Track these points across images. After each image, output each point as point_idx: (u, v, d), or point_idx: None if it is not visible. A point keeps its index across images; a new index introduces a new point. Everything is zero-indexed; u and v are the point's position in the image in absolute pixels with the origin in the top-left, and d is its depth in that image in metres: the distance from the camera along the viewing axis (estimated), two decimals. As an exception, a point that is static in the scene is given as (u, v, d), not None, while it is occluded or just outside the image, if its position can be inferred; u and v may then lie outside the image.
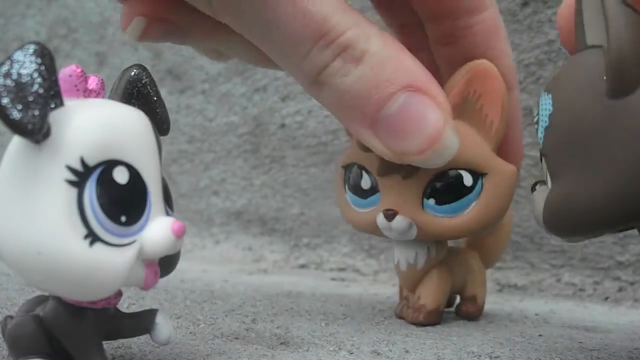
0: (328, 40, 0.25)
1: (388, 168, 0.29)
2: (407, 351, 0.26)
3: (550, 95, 0.22)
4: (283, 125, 0.59)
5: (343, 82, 0.25)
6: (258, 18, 0.25)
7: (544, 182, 0.24)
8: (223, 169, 0.63)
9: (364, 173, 0.30)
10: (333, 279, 0.51)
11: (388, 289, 0.46)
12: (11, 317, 0.22)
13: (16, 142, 0.19)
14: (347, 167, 0.32)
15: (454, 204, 0.29)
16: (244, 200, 0.62)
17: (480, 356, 0.26)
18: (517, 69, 0.46)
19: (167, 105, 0.23)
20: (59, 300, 0.20)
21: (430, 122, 0.26)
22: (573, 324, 0.35)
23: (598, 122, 0.20)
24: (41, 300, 0.22)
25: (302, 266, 0.57)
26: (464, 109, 0.29)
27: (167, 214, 0.21)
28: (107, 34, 0.71)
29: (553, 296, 0.45)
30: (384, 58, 0.25)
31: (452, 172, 0.29)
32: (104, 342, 0.21)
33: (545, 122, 0.22)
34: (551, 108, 0.22)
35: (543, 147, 0.23)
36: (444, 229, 0.29)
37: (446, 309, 0.34)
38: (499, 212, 0.30)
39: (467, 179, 0.29)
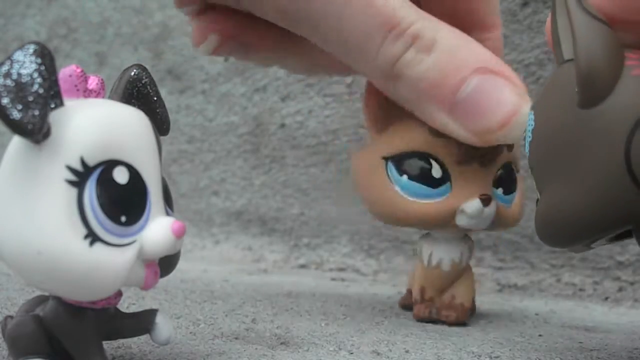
0: (399, 32, 0.26)
1: (469, 156, 0.29)
2: (407, 351, 0.26)
3: (532, 112, 0.23)
4: (283, 125, 0.59)
5: (417, 71, 0.27)
6: (328, 16, 0.26)
7: None
8: (223, 169, 0.63)
9: (432, 162, 0.30)
10: (333, 279, 0.51)
11: (388, 289, 0.46)
12: (11, 317, 0.22)
13: (16, 142, 0.19)
14: (394, 157, 0.31)
15: (512, 195, 0.31)
16: (244, 200, 0.62)
17: (480, 356, 0.26)
18: (517, 69, 0.46)
19: (167, 105, 0.23)
20: (59, 300, 0.20)
21: (505, 97, 0.27)
22: (573, 324, 0.35)
23: (572, 133, 0.21)
24: (41, 300, 0.22)
25: (302, 266, 0.57)
26: None
27: (167, 214, 0.21)
28: (107, 34, 0.71)
29: (553, 296, 0.45)
30: (453, 45, 0.27)
31: (511, 165, 0.31)
32: (104, 342, 0.21)
33: (530, 137, 0.23)
34: (533, 124, 0.23)
35: (529, 161, 0.23)
36: (508, 218, 0.31)
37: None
38: (521, 209, 0.32)
39: (515, 173, 0.31)
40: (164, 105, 0.23)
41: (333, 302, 0.38)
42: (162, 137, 0.22)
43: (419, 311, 0.32)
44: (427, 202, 0.30)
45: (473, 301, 0.33)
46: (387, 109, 0.31)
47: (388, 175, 0.31)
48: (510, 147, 0.30)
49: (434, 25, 0.27)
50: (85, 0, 0.73)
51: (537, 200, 0.25)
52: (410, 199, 0.30)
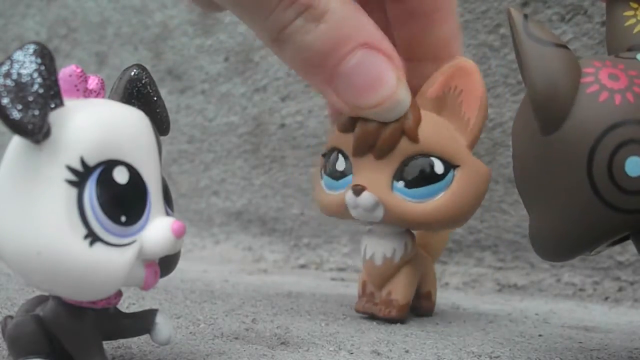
0: (291, 0, 0.26)
1: (363, 148, 0.30)
2: (407, 351, 0.26)
3: (511, 138, 0.24)
4: (283, 125, 0.59)
5: (304, 39, 0.27)
6: None
7: None
8: (223, 169, 0.63)
9: (340, 156, 0.31)
10: (333, 279, 0.51)
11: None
12: (11, 317, 0.22)
13: (16, 142, 0.19)
14: (326, 155, 0.32)
15: (422, 189, 0.29)
16: (244, 200, 0.62)
17: (480, 356, 0.26)
18: (517, 69, 0.46)
19: (167, 105, 0.23)
20: (59, 300, 0.20)
21: (384, 77, 0.28)
22: (573, 324, 0.35)
23: (539, 159, 0.22)
24: (41, 300, 0.22)
25: (302, 266, 0.57)
26: (444, 102, 0.31)
27: (167, 214, 0.21)
28: (107, 34, 0.71)
29: (553, 296, 0.45)
30: (342, 17, 0.27)
31: (423, 158, 0.29)
32: (104, 342, 0.21)
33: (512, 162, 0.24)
34: (512, 149, 0.24)
35: (515, 184, 0.24)
36: (411, 213, 0.30)
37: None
38: (468, 207, 0.30)
39: (439, 167, 0.29)
40: (164, 105, 0.23)
41: (333, 302, 0.38)
42: (162, 137, 0.22)
43: (359, 305, 0.33)
44: (333, 194, 0.31)
45: (427, 297, 0.34)
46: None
47: (321, 171, 0.33)
48: (413, 137, 0.29)
49: None
50: (85, 0, 0.73)
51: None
52: (326, 192, 0.32)
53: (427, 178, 0.29)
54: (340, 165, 0.31)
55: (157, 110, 0.22)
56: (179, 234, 0.20)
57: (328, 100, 0.29)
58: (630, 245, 0.43)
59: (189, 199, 0.65)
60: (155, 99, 0.22)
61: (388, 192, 0.30)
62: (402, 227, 0.31)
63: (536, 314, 0.37)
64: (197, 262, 0.57)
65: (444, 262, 0.49)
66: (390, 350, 0.26)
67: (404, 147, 0.29)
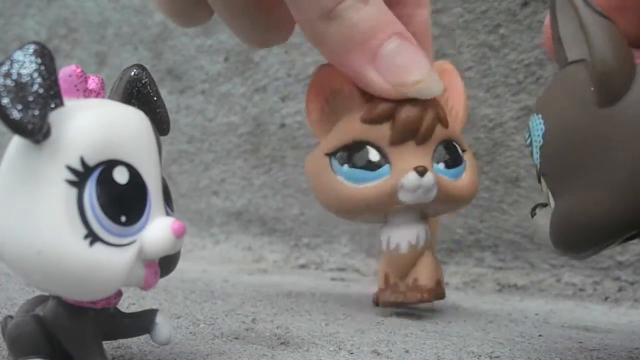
0: None
1: (405, 135, 0.31)
2: (407, 351, 0.26)
3: (540, 115, 0.23)
4: (283, 125, 0.59)
5: (353, 17, 0.29)
6: None
7: (543, 205, 0.24)
8: (223, 169, 0.63)
9: (369, 147, 0.32)
10: (333, 279, 0.50)
11: (388, 289, 0.45)
12: (11, 317, 0.22)
13: (16, 142, 0.19)
14: (336, 151, 0.33)
15: (455, 169, 0.33)
16: (244, 200, 0.62)
17: (480, 356, 0.26)
18: (517, 69, 0.46)
19: (167, 105, 0.23)
20: (59, 300, 0.20)
21: (420, 59, 0.30)
22: (573, 324, 0.35)
23: (591, 132, 0.21)
24: (41, 300, 0.22)
25: (302, 266, 0.57)
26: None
27: (167, 214, 0.21)
28: (107, 34, 0.71)
29: (553, 296, 0.45)
30: (382, 5, 0.30)
31: (450, 142, 0.33)
32: (104, 342, 0.21)
33: (539, 141, 0.23)
34: (543, 127, 0.23)
35: (541, 167, 0.23)
36: (454, 191, 0.32)
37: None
38: (476, 185, 0.34)
39: (459, 150, 0.33)
40: (164, 105, 0.23)
41: (333, 302, 0.38)
42: (162, 137, 0.22)
43: (385, 297, 0.34)
44: (368, 185, 0.32)
45: (440, 284, 0.34)
46: (328, 114, 0.34)
47: (333, 170, 0.33)
48: (445, 124, 0.32)
49: None
50: (85, 0, 0.73)
51: (532, 210, 0.24)
52: (354, 185, 0.32)
53: (456, 160, 0.33)
54: (374, 156, 0.32)
55: (157, 110, 0.22)
56: (179, 234, 0.20)
57: (370, 84, 0.31)
58: (630, 245, 0.43)
59: (189, 199, 0.65)
60: (155, 99, 0.22)
61: (435, 174, 0.31)
62: (444, 205, 0.33)
63: (536, 314, 0.37)
64: (197, 262, 0.57)
65: (444, 262, 0.49)
66: (390, 350, 0.26)
67: (438, 132, 0.32)
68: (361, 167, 0.32)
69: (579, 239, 0.21)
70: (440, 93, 0.31)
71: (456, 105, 0.34)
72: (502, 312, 0.37)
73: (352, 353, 0.26)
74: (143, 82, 0.22)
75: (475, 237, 0.48)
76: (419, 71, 0.30)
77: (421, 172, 0.31)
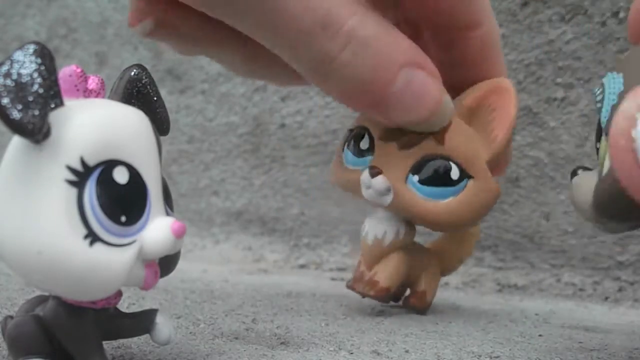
0: (333, 31, 0.26)
1: (390, 134, 0.31)
2: (407, 351, 0.26)
3: (622, 74, 0.22)
4: (283, 125, 0.59)
5: (351, 71, 0.27)
6: (263, 11, 0.26)
7: (586, 169, 0.24)
8: (223, 169, 0.63)
9: (365, 134, 0.32)
10: (333, 279, 0.50)
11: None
12: (11, 317, 0.22)
13: (16, 142, 0.19)
14: (352, 130, 0.33)
15: (434, 189, 0.30)
16: (244, 200, 0.62)
17: (480, 356, 0.26)
18: (517, 69, 0.46)
19: (167, 105, 0.23)
20: (59, 300, 0.20)
21: (430, 92, 0.28)
22: (573, 324, 0.35)
23: None
24: (41, 300, 0.22)
25: (302, 266, 0.57)
26: (476, 115, 0.31)
27: (167, 214, 0.21)
28: (107, 34, 0.71)
29: (553, 296, 0.45)
30: (381, 43, 0.27)
31: (443, 160, 0.30)
32: (104, 342, 0.21)
33: (614, 99, 0.22)
34: (622, 87, 0.22)
35: (607, 127, 0.22)
36: (416, 208, 0.31)
37: (393, 303, 0.35)
38: (470, 218, 0.31)
39: (455, 173, 0.30)
40: (164, 105, 0.23)
41: (333, 302, 0.38)
42: (162, 137, 0.22)
43: (349, 282, 0.34)
44: (349, 169, 0.33)
45: (423, 297, 0.34)
46: None
47: (344, 143, 0.34)
48: (440, 139, 0.30)
49: (363, 20, 0.27)
50: (85, 0, 0.73)
51: (573, 171, 0.24)
52: (344, 165, 0.33)
53: (441, 180, 0.30)
54: (365, 144, 0.32)
55: (157, 110, 0.22)
56: (179, 234, 0.20)
57: (380, 121, 0.30)
58: (630, 245, 0.43)
59: (189, 199, 0.65)
60: (155, 99, 0.22)
61: (401, 183, 0.31)
62: (404, 218, 0.32)
63: (536, 314, 0.37)
64: (197, 262, 0.57)
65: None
66: (390, 350, 0.26)
67: (428, 145, 0.30)
68: (353, 152, 0.33)
69: (628, 206, 0.20)
70: (445, 124, 0.30)
71: (498, 128, 0.31)
72: (502, 312, 0.37)
73: (352, 353, 0.26)
74: (143, 82, 0.22)
75: (475, 237, 0.48)
76: (426, 108, 0.29)
77: (373, 173, 0.30)
